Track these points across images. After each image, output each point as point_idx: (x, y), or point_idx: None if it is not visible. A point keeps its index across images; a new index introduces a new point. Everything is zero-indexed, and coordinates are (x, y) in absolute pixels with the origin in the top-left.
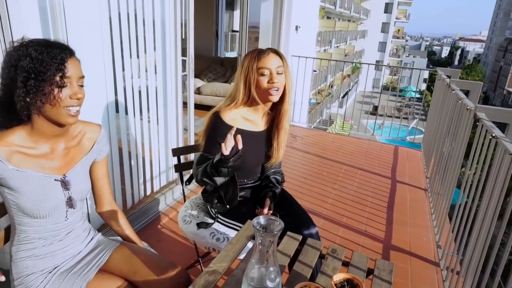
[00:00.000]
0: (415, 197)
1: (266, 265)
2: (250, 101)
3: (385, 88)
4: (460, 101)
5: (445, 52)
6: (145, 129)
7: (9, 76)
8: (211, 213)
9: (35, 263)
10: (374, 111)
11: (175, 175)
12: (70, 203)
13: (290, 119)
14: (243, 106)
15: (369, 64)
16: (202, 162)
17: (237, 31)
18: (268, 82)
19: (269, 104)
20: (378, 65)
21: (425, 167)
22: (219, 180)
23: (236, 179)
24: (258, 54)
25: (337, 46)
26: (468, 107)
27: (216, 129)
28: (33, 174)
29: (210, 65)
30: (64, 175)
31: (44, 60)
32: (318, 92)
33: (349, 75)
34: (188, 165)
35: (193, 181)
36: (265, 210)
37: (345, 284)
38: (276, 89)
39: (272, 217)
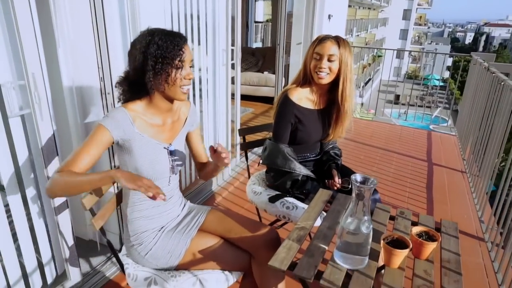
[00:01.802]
0: (452, 179)
1: (362, 215)
2: (310, 83)
3: (408, 77)
4: (502, 83)
5: (469, 39)
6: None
7: (138, 61)
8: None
9: (147, 223)
10: (396, 100)
11: None
12: (172, 169)
13: (352, 106)
14: (306, 87)
15: (394, 49)
16: (280, 158)
17: (260, 22)
18: (316, 66)
19: (324, 86)
20: (402, 50)
21: (461, 150)
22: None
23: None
24: (319, 40)
25: (358, 35)
26: None
27: (285, 106)
28: (149, 140)
29: (242, 55)
30: (170, 144)
31: (168, 47)
32: None
33: (369, 64)
34: (252, 144)
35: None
36: (336, 179)
37: (423, 234)
38: (324, 73)
39: (364, 175)
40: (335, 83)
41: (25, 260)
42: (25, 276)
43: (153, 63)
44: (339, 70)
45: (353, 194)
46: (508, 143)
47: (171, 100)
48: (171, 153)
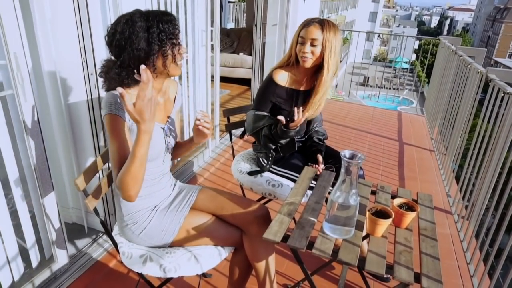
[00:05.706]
0: (421, 157)
1: (350, 188)
2: (297, 64)
3: (377, 59)
4: (469, 66)
5: (434, 22)
6: None
7: (138, 48)
8: (262, 163)
9: (140, 202)
10: (366, 82)
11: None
12: (167, 149)
13: (330, 88)
14: (293, 68)
15: (364, 32)
16: (258, 120)
17: (232, 2)
18: (300, 50)
19: (309, 68)
20: (371, 32)
21: (429, 130)
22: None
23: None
24: (305, 24)
25: (328, 17)
26: (479, 70)
27: (267, 87)
28: None
29: None
30: (165, 123)
31: (169, 27)
32: None
33: None
34: (237, 124)
35: (246, 135)
36: (321, 166)
37: (403, 205)
38: (306, 57)
39: (354, 151)
40: (321, 65)
41: (6, 244)
42: (15, 258)
43: (158, 47)
44: (323, 54)
45: (342, 169)
46: (474, 120)
47: (164, 79)
48: (166, 132)
